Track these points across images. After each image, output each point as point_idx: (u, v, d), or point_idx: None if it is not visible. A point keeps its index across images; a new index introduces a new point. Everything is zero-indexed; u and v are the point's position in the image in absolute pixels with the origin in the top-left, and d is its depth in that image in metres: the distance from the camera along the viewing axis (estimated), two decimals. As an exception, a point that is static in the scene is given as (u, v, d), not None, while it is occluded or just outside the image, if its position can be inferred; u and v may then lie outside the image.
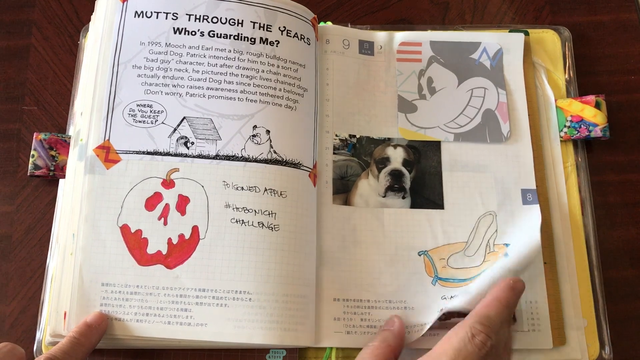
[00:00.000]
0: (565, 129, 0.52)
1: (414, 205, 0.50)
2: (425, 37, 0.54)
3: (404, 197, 0.50)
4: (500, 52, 0.53)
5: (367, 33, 0.54)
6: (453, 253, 0.48)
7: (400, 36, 0.54)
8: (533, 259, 0.46)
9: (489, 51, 0.53)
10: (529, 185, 0.50)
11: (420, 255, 0.48)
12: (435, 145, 0.51)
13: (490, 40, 0.53)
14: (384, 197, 0.50)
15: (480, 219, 0.49)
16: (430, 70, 0.53)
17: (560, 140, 0.52)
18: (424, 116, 0.52)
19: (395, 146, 0.51)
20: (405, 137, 0.51)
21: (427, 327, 0.45)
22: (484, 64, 0.53)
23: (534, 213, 0.48)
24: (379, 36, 0.54)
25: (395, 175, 0.50)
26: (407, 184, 0.50)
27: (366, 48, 0.54)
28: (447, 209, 0.49)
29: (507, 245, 0.48)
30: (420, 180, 0.50)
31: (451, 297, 0.46)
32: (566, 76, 0.54)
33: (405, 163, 0.51)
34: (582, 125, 0.52)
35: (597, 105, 0.52)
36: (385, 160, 0.51)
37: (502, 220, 0.49)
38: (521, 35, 0.54)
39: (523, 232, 0.48)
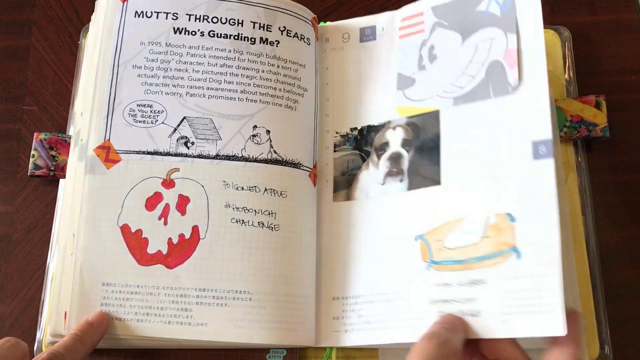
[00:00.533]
0: (565, 129, 0.52)
1: (411, 187, 0.46)
2: (427, 4, 0.50)
3: (401, 181, 0.47)
4: None
5: (368, 18, 0.53)
6: (451, 231, 0.44)
7: (402, 12, 0.51)
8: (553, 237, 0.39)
9: None
10: (543, 136, 0.41)
11: (417, 240, 0.45)
12: (435, 116, 0.46)
13: None
14: (383, 184, 0.48)
15: (481, 186, 0.43)
16: (433, 38, 0.49)
17: (560, 140, 0.52)
18: (422, 87, 0.48)
19: (394, 127, 0.48)
20: (403, 115, 0.48)
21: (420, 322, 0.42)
22: (492, 12, 0.46)
23: (547, 168, 0.40)
24: (381, 18, 0.53)
25: (394, 158, 0.48)
26: (406, 165, 0.47)
27: (368, 34, 0.52)
28: (445, 183, 0.44)
29: (510, 216, 0.41)
30: (418, 157, 0.47)
31: (445, 284, 0.42)
32: (566, 76, 0.54)
33: (404, 143, 0.47)
34: (582, 125, 0.52)
35: (597, 105, 0.52)
36: (384, 146, 0.48)
37: (505, 185, 0.42)
38: None
39: (532, 196, 0.41)
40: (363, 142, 0.50)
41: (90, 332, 0.41)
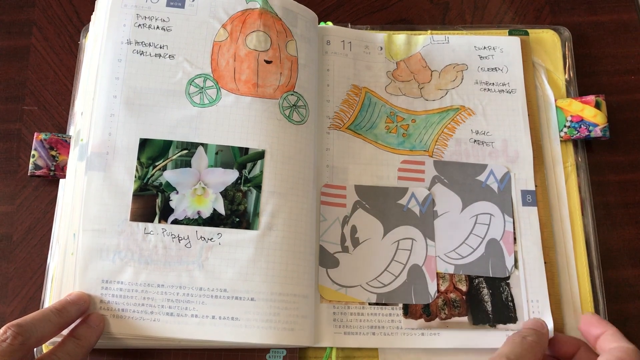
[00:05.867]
0: (565, 129, 0.52)
1: None
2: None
3: None
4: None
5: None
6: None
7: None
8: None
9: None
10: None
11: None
12: None
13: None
14: None
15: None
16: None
17: (560, 140, 0.52)
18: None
19: None
20: None
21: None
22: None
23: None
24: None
25: None
26: None
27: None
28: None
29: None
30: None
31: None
32: (566, 76, 0.54)
33: None
34: (582, 125, 0.52)
35: (597, 105, 0.52)
36: None
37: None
38: (516, 39, 0.54)
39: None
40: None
41: (88, 333, 0.41)
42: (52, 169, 0.49)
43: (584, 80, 0.55)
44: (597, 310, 0.48)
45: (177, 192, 0.45)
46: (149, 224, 0.44)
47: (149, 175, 0.45)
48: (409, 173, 0.50)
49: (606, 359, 0.38)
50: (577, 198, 0.51)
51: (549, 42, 0.55)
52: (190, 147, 0.46)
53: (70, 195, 0.46)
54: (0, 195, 0.52)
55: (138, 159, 0.46)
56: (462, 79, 0.53)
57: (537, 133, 0.52)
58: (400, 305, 0.47)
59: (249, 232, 0.45)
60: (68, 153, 0.49)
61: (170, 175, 0.46)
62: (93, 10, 0.50)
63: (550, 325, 0.45)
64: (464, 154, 0.51)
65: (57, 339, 0.42)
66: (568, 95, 0.54)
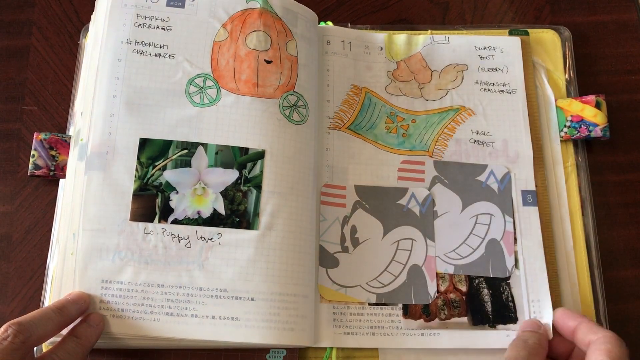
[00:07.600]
0: (565, 129, 0.52)
1: None
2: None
3: None
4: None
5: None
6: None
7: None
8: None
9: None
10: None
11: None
12: None
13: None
14: None
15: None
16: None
17: (561, 140, 0.52)
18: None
19: None
20: None
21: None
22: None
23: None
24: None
25: None
26: None
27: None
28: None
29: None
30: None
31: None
32: (566, 76, 0.54)
33: None
34: (582, 125, 0.52)
35: (597, 105, 0.52)
36: None
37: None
38: (516, 39, 0.54)
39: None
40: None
41: (88, 332, 0.41)
42: (52, 168, 0.49)
43: (584, 80, 0.55)
44: (597, 310, 0.48)
45: (177, 192, 0.45)
46: (149, 224, 0.44)
47: (148, 175, 0.45)
48: (409, 173, 0.50)
49: (596, 348, 0.38)
50: (577, 198, 0.51)
51: (549, 42, 0.55)
52: (190, 147, 0.46)
53: (70, 195, 0.46)
54: (0, 195, 0.52)
55: (138, 158, 0.46)
56: (462, 79, 0.53)
57: (537, 133, 0.52)
58: (400, 305, 0.47)
59: (249, 232, 0.45)
60: (68, 153, 0.49)
61: (170, 175, 0.46)
62: (93, 10, 0.50)
63: (550, 326, 0.45)
64: (464, 154, 0.51)
65: (56, 339, 0.42)
66: (568, 95, 0.54)
